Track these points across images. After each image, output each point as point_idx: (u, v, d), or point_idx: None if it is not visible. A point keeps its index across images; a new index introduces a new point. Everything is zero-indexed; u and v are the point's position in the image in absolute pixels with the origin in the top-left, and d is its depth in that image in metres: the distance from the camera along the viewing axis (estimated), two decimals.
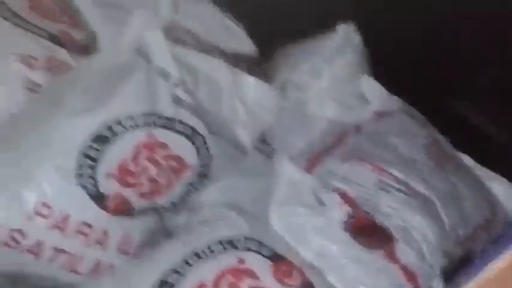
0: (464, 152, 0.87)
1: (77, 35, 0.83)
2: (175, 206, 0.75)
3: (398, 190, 0.71)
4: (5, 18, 0.77)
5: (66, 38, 0.81)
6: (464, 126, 1.11)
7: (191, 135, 0.75)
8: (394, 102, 0.85)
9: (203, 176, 0.76)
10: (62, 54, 0.79)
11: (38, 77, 0.76)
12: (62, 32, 0.81)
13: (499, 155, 1.01)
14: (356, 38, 0.88)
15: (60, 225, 0.68)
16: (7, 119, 0.72)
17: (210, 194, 0.77)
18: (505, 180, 0.85)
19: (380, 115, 0.83)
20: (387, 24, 1.18)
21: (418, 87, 1.12)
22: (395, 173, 0.73)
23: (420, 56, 1.14)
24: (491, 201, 0.80)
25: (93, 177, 0.68)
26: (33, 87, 0.76)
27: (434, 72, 1.20)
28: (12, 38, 0.77)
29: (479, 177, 0.83)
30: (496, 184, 0.83)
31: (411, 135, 0.80)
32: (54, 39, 0.79)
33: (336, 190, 0.71)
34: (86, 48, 0.83)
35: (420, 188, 0.72)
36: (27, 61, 0.76)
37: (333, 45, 0.87)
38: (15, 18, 0.78)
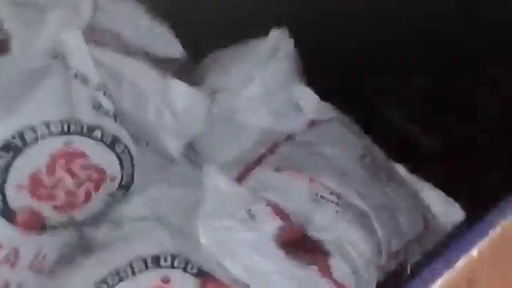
0: (398, 161, 0.86)
1: None
2: (95, 220, 0.70)
3: (332, 202, 0.69)
4: None
5: None
6: (397, 135, 1.11)
7: (112, 143, 0.70)
8: (327, 111, 0.83)
9: (126, 187, 0.71)
10: None
11: None
12: None
13: (432, 165, 1.01)
14: (289, 44, 0.85)
15: None
16: None
17: (133, 207, 0.72)
18: (438, 190, 0.84)
19: (313, 123, 0.80)
20: (319, 25, 1.17)
21: (351, 94, 1.11)
22: (329, 183, 0.70)
23: (354, 64, 1.13)
24: (424, 213, 0.78)
25: (1, 190, 0.62)
26: None
27: (368, 79, 1.20)
28: None
29: (413, 188, 0.81)
30: (428, 194, 0.82)
31: (345, 144, 0.78)
32: None
33: (266, 202, 0.67)
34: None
35: (354, 199, 0.70)
36: None
37: (264, 50, 0.84)
38: None
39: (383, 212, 0.71)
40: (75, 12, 0.75)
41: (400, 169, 0.83)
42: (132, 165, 0.72)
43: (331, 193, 0.69)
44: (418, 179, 0.83)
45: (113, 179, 0.70)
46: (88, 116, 0.68)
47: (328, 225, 0.67)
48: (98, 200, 0.69)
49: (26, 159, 0.64)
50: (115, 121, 0.71)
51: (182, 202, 0.71)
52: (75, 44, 0.72)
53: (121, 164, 0.70)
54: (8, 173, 0.63)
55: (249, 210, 0.66)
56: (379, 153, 0.82)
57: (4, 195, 0.62)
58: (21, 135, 0.64)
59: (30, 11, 0.79)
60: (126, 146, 0.71)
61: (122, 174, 0.70)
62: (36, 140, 0.65)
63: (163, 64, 0.94)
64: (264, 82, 0.84)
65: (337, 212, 0.67)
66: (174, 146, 0.79)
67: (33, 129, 0.65)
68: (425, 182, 0.83)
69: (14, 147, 0.63)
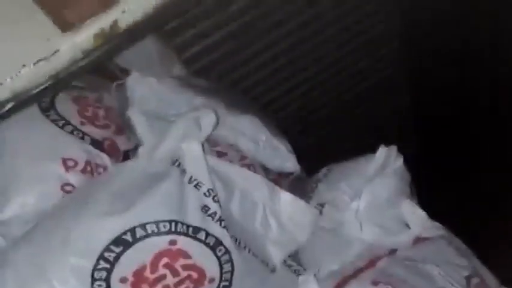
0: None
1: (121, 143, 0.86)
2: None
3: None
4: (53, 121, 0.81)
5: (109, 144, 0.84)
6: None
7: (215, 246, 0.73)
8: (435, 228, 0.81)
9: None
10: (102, 158, 0.81)
11: (74, 178, 0.78)
12: (105, 138, 0.84)
13: None
14: (398, 161, 0.86)
15: None
16: (38, 217, 0.74)
17: None
18: None
19: (418, 240, 0.79)
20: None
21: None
22: None
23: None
24: None
25: (107, 281, 0.67)
26: (68, 189, 0.77)
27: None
28: (56, 140, 0.80)
29: None
30: None
31: (449, 264, 0.75)
32: (96, 144, 0.82)
33: None
34: (128, 155, 0.85)
35: None
36: (66, 163, 0.78)
37: (373, 166, 0.85)
38: (62, 121, 0.81)
39: None
40: (197, 125, 0.82)
41: None
42: (232, 270, 0.74)
43: None
44: None
45: (211, 281, 0.72)
46: (195, 218, 0.72)
47: None
48: None
49: (132, 254, 0.68)
50: (220, 225, 0.74)
51: None
52: (193, 153, 0.78)
53: (221, 267, 0.73)
54: (115, 266, 0.67)
55: None
56: (489, 276, 0.77)
57: (109, 287, 0.67)
58: (132, 232, 0.69)
59: (161, 122, 0.88)
60: (227, 250, 0.74)
61: (221, 277, 0.73)
62: (145, 237, 0.69)
63: (278, 176, 0.98)
64: (371, 197, 0.84)
65: None
66: (276, 254, 0.81)
67: (143, 227, 0.70)
68: None
69: (124, 242, 0.68)
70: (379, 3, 1.21)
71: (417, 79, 1.29)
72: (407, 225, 0.82)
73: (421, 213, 0.82)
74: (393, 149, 0.86)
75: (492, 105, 1.14)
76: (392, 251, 0.77)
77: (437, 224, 0.82)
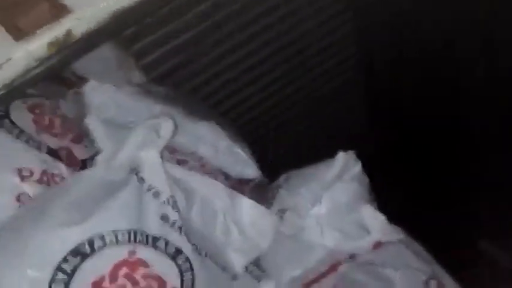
0: None
1: (79, 152, 0.84)
2: None
3: None
4: (8, 131, 0.79)
5: (66, 153, 0.82)
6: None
7: (175, 255, 0.72)
8: (394, 233, 0.82)
9: None
10: (59, 168, 0.80)
11: (30, 189, 0.76)
12: (62, 147, 0.82)
13: None
14: (356, 166, 0.87)
15: None
16: None
17: None
18: None
19: (378, 245, 0.79)
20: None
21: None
22: None
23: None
24: None
25: None
26: (24, 199, 0.76)
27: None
28: (11, 150, 0.78)
29: None
30: None
31: (408, 268, 0.76)
32: (53, 153, 0.80)
33: None
34: (86, 164, 0.84)
35: None
36: (22, 173, 0.77)
37: (332, 172, 0.86)
38: (17, 130, 0.80)
39: None
40: (156, 133, 0.82)
41: None
42: (193, 278, 0.73)
43: None
44: None
45: None
46: (154, 227, 0.72)
47: None
48: None
49: (91, 265, 0.67)
50: (180, 233, 0.74)
51: None
52: (151, 161, 0.77)
53: (182, 275, 0.72)
54: (72, 278, 0.66)
55: None
56: (448, 279, 0.79)
57: None
58: (90, 242, 0.68)
59: (119, 130, 0.87)
60: (188, 259, 0.73)
61: (182, 286, 0.72)
62: (103, 247, 0.68)
63: (239, 183, 0.98)
64: (331, 202, 0.85)
65: None
66: (238, 261, 0.80)
67: (102, 237, 0.69)
68: None
69: (82, 253, 0.67)
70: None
71: (375, 81, 1.31)
72: (367, 230, 0.83)
73: (381, 218, 0.83)
74: (351, 154, 0.87)
75: (454, 107, 1.16)
76: (353, 256, 0.78)
77: (396, 228, 0.83)
